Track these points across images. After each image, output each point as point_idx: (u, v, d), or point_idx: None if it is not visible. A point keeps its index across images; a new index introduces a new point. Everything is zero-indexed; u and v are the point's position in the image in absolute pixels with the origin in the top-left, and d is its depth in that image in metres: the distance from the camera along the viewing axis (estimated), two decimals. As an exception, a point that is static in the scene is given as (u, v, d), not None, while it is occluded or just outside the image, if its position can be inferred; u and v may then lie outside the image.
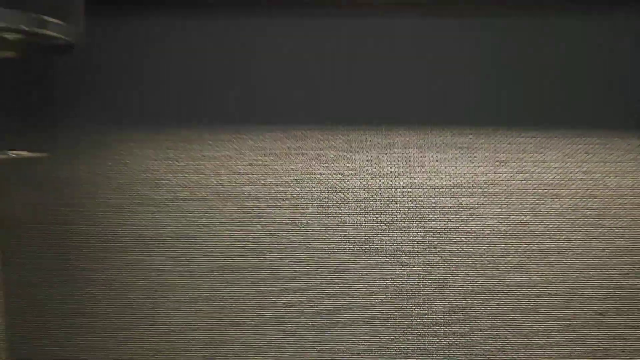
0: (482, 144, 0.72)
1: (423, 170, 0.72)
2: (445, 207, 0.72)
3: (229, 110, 0.72)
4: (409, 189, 0.72)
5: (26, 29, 0.53)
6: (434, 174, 0.72)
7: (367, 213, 0.73)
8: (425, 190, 0.72)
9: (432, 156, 0.72)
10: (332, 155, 0.72)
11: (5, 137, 0.70)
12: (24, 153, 0.61)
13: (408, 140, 0.72)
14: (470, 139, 0.72)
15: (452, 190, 0.72)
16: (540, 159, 0.72)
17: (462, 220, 0.72)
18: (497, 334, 0.73)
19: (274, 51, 0.71)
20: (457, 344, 0.73)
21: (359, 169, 0.72)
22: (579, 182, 0.71)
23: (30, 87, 0.71)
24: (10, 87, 0.71)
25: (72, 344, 0.74)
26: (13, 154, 0.59)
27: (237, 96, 0.72)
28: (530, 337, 0.73)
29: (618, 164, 0.71)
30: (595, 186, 0.71)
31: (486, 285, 0.73)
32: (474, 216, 0.72)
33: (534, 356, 0.73)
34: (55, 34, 0.55)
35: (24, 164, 0.71)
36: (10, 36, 0.54)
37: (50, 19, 0.54)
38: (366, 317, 0.73)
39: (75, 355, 0.74)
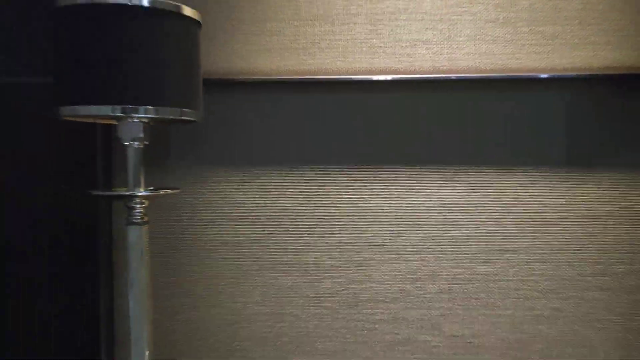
0: (460, 177, 1.04)
1: (419, 195, 1.05)
2: (435, 220, 1.05)
3: (292, 158, 1.05)
4: (409, 208, 1.05)
5: (172, 117, 0.86)
6: (427, 197, 1.05)
7: (382, 224, 1.05)
8: (421, 208, 1.05)
9: (426, 185, 1.05)
10: (357, 185, 1.05)
11: (153, 179, 1.03)
12: (169, 190, 0.94)
13: (409, 175, 1.05)
14: (452, 173, 1.04)
15: (440, 208, 1.05)
16: (500, 187, 1.04)
17: (446, 229, 1.05)
18: (471, 308, 1.05)
19: (320, 120, 1.04)
20: (443, 315, 1.06)
21: (375, 194, 1.05)
22: (526, 203, 1.04)
23: (167, 147, 1.04)
24: (151, 147, 1.04)
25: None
26: (162, 191, 0.92)
27: (295, 148, 1.04)
28: (494, 310, 1.05)
29: (553, 189, 1.04)
30: (538, 205, 1.04)
31: (464, 274, 1.05)
32: (455, 226, 1.05)
33: (496, 323, 1.05)
34: (188, 118, 0.88)
35: (171, 195, 1.03)
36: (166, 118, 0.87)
37: (187, 110, 0.86)
38: (380, 297, 1.06)
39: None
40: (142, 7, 0.82)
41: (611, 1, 1.01)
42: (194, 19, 0.88)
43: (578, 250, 1.04)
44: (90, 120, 0.94)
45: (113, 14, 0.81)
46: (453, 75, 1.02)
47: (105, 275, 1.05)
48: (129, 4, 0.81)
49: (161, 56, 0.83)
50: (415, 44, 1.03)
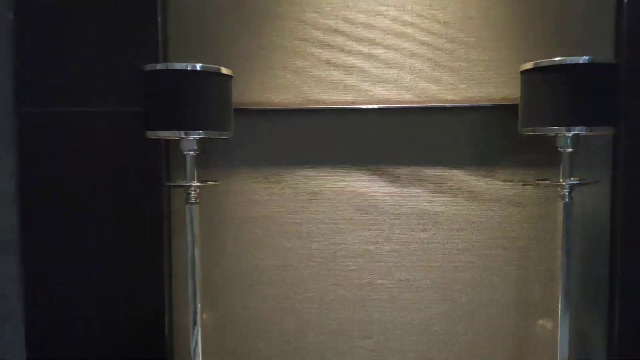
0: (405, 172, 1.54)
1: (377, 185, 1.55)
2: (388, 202, 1.55)
3: (291, 159, 1.56)
4: (371, 194, 1.55)
5: (213, 137, 1.37)
6: (383, 187, 1.55)
7: (352, 205, 1.56)
8: (379, 194, 1.55)
9: (382, 178, 1.55)
10: (335, 179, 1.56)
11: (201, 174, 1.55)
12: (210, 182, 1.46)
13: (371, 172, 1.55)
14: (399, 170, 1.55)
15: (391, 194, 1.55)
16: (431, 179, 1.54)
17: (395, 208, 1.55)
18: (412, 261, 1.55)
19: (310, 134, 1.55)
20: (394, 266, 1.56)
21: (347, 185, 1.56)
22: (449, 189, 1.54)
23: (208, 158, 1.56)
24: (200, 154, 1.56)
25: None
26: (207, 182, 1.44)
27: (293, 153, 1.56)
28: (428, 262, 1.55)
29: (467, 181, 1.53)
30: (456, 191, 1.54)
31: (407, 238, 1.55)
32: (401, 206, 1.55)
33: (430, 271, 1.55)
34: (223, 137, 1.39)
35: (211, 185, 1.55)
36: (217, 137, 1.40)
37: (223, 132, 1.38)
38: (351, 254, 1.56)
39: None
40: (196, 70, 1.34)
41: (504, 55, 1.50)
42: (228, 75, 1.39)
43: (484, 222, 1.54)
44: (163, 138, 1.47)
45: (179, 73, 1.33)
46: (399, 105, 1.52)
47: (167, 237, 1.58)
48: (189, 69, 1.33)
49: (208, 98, 1.35)
50: (374, 84, 1.53)
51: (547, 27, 1.50)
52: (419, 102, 1.53)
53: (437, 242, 1.56)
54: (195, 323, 1.45)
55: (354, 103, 1.54)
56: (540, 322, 1.53)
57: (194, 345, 1.45)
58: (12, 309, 1.60)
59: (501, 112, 1.50)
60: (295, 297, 1.59)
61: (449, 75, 1.52)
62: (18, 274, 1.57)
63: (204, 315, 1.57)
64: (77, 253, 1.53)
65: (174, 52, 1.56)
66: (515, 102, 1.41)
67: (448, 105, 1.52)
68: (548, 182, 1.43)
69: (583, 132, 1.32)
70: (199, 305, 1.44)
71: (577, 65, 1.28)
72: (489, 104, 1.51)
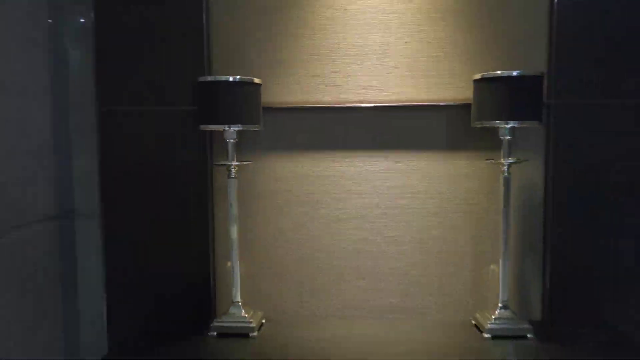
0: (389, 155, 2.05)
1: (369, 164, 2.06)
2: (377, 177, 2.05)
3: (304, 145, 2.07)
4: (364, 171, 2.06)
5: (248, 129, 1.89)
6: (373, 165, 2.05)
7: (350, 179, 2.06)
8: (370, 171, 2.06)
9: (373, 159, 2.05)
10: (337, 159, 2.07)
11: (238, 156, 2.06)
12: (246, 162, 1.98)
13: (364, 154, 2.05)
14: (385, 153, 2.05)
15: (380, 171, 2.05)
16: (408, 161, 2.04)
17: (384, 182, 2.05)
18: (396, 222, 2.06)
19: (317, 126, 2.06)
20: (383, 226, 2.07)
21: (346, 164, 2.06)
22: (422, 169, 2.04)
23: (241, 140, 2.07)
24: (238, 142, 2.07)
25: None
26: (243, 162, 1.96)
27: (305, 140, 2.07)
28: (407, 222, 2.06)
29: (435, 162, 2.03)
30: (427, 169, 2.04)
31: (392, 205, 2.05)
32: (387, 180, 2.05)
33: (409, 229, 2.06)
34: (255, 128, 1.91)
35: (246, 164, 2.06)
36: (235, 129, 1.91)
37: (255, 125, 1.89)
38: (350, 217, 2.07)
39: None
40: (235, 81, 1.84)
41: (464, 67, 1.99)
42: (258, 83, 1.90)
43: (450, 192, 2.04)
44: (211, 130, 1.98)
45: (223, 83, 1.84)
46: (386, 104, 2.02)
47: (212, 206, 2.10)
48: (230, 80, 1.84)
49: (243, 101, 1.86)
50: (367, 88, 2.03)
51: (495, 45, 1.99)
52: (400, 101, 2.03)
53: (415, 208, 2.06)
54: (234, 272, 1.97)
55: (351, 102, 2.04)
56: (492, 266, 2.03)
57: (235, 289, 1.97)
58: (96, 262, 2.14)
59: (461, 109, 2.00)
60: (308, 250, 2.11)
61: (423, 81, 2.02)
62: (100, 235, 2.10)
63: (240, 267, 2.08)
64: (144, 217, 2.06)
65: (217, 65, 2.07)
66: (470, 102, 1.91)
67: (423, 104, 2.02)
68: (493, 161, 1.93)
69: (516, 125, 1.81)
70: (237, 257, 1.96)
71: (511, 76, 1.77)
72: (452, 103, 2.00)
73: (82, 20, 2.14)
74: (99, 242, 2.11)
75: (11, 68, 1.83)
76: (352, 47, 2.04)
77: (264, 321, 2.05)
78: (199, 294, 2.07)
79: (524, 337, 1.86)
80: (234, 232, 1.95)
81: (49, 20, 2.07)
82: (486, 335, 1.88)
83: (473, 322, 2.00)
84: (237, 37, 2.07)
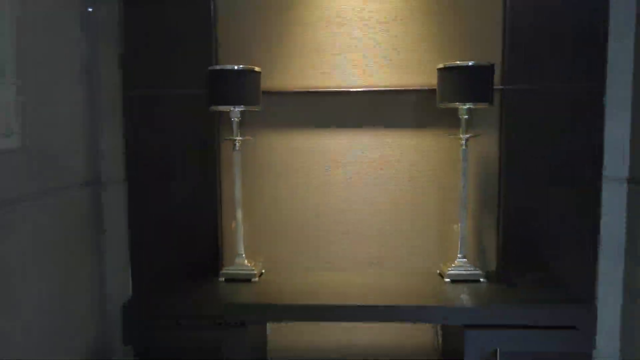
0: (370, 129, 2.43)
1: (355, 139, 2.44)
2: (362, 148, 2.44)
3: (300, 122, 2.45)
4: (352, 144, 2.44)
5: (249, 109, 2.27)
6: (359, 139, 2.44)
7: (336, 152, 2.45)
8: (356, 144, 2.44)
9: (361, 134, 2.44)
10: (327, 135, 2.45)
11: (242, 132, 2.44)
12: (248, 137, 2.36)
13: (351, 130, 2.44)
14: (367, 128, 2.43)
15: (363, 143, 2.44)
16: (385, 135, 2.42)
17: (366, 151, 2.44)
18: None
19: (312, 107, 2.44)
20: (370, 178, 2.46)
21: (334, 137, 2.44)
22: (396, 140, 2.42)
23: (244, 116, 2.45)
24: (242, 120, 2.45)
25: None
26: (246, 137, 2.34)
27: (302, 118, 2.45)
28: (385, 177, 2.45)
29: (408, 136, 2.41)
30: (401, 140, 2.42)
31: (387, 182, 2.44)
32: (370, 151, 2.44)
33: (387, 183, 2.45)
34: (255, 109, 2.29)
35: (248, 140, 2.44)
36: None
37: (255, 106, 2.27)
38: (339, 181, 2.46)
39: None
40: (239, 69, 2.22)
41: (432, 58, 2.36)
42: (258, 71, 2.27)
43: (420, 162, 2.43)
44: (220, 110, 2.36)
45: (229, 71, 2.21)
46: (369, 89, 2.40)
47: (219, 173, 2.49)
48: (235, 68, 2.21)
49: (245, 86, 2.24)
50: (350, 75, 2.41)
51: (458, 39, 2.36)
52: (379, 87, 2.40)
53: (390, 176, 2.45)
54: (238, 229, 2.36)
55: (340, 87, 2.42)
56: (454, 225, 2.43)
57: (239, 243, 2.36)
58: (122, 222, 2.54)
59: (429, 93, 2.37)
60: (300, 211, 2.49)
61: (398, 70, 2.39)
62: (125, 198, 2.49)
63: (243, 224, 2.47)
64: (162, 183, 2.45)
65: (224, 55, 2.44)
66: (435, 87, 2.28)
67: (397, 89, 2.39)
68: (454, 136, 2.31)
69: (472, 106, 2.19)
70: (241, 217, 2.35)
71: (467, 66, 2.15)
72: (422, 88, 2.38)
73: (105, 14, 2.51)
74: (124, 204, 2.50)
75: (57, 55, 2.20)
76: (340, 44, 2.42)
77: (263, 270, 2.45)
78: (209, 247, 2.47)
79: (477, 281, 2.26)
80: (238, 196, 2.34)
81: (89, 9, 2.43)
82: (446, 280, 2.28)
83: (437, 270, 2.40)
84: (240, 32, 2.44)
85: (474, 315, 2.02)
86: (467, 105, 2.19)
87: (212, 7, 2.38)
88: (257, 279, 2.33)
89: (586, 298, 2.33)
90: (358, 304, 2.05)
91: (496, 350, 1.99)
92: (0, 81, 1.89)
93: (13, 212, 1.92)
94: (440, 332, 2.48)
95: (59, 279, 2.21)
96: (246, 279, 2.32)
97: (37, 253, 2.05)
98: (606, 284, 2.43)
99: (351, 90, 2.41)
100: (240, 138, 2.32)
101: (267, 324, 2.53)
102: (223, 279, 2.33)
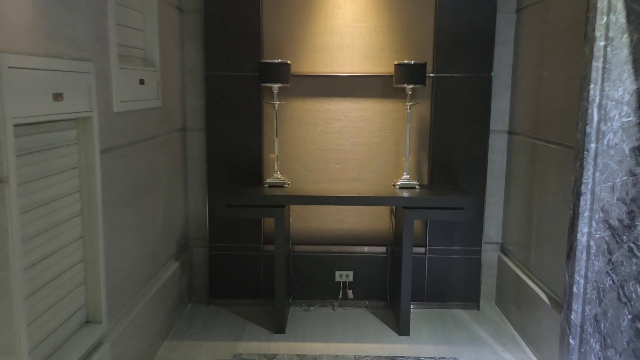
0: (359, 99, 4.04)
1: (348, 106, 4.05)
2: (350, 114, 4.05)
3: (310, 94, 4.04)
4: (345, 110, 4.05)
5: (284, 85, 3.86)
6: (350, 106, 4.04)
7: (333, 117, 4.05)
8: (349, 110, 4.05)
9: (352, 103, 4.04)
10: (325, 100, 4.05)
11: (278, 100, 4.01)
12: (281, 102, 3.96)
13: (343, 99, 4.04)
14: (357, 99, 4.04)
15: (352, 109, 4.05)
16: (370, 104, 4.03)
17: (355, 116, 4.05)
18: (364, 141, 4.07)
19: (317, 85, 4.03)
20: (357, 129, 4.08)
21: (334, 104, 4.05)
22: (376, 106, 4.04)
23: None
24: (277, 92, 4.03)
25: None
26: (280, 102, 3.95)
27: (311, 92, 4.04)
28: (367, 130, 4.07)
29: (381, 103, 4.02)
30: (380, 106, 4.03)
31: (364, 132, 4.06)
32: (357, 115, 4.05)
33: (372, 143, 4.07)
34: (287, 86, 3.88)
35: (281, 104, 4.03)
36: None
37: (287, 84, 3.86)
38: (334, 130, 4.07)
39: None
40: (278, 62, 3.79)
41: (394, 56, 3.97)
42: (289, 63, 3.85)
43: (384, 120, 4.05)
44: (266, 85, 3.95)
45: (271, 64, 3.79)
46: (354, 74, 4.00)
47: (262, 124, 4.08)
48: (276, 62, 3.79)
49: (281, 71, 3.81)
50: (343, 65, 4.00)
51: (410, 44, 3.97)
52: (360, 72, 4.00)
53: (365, 127, 4.07)
54: (276, 157, 3.97)
55: (335, 73, 4.01)
56: (403, 158, 4.06)
57: (276, 166, 3.98)
58: (200, 152, 4.13)
59: (389, 78, 3.97)
60: (310, 148, 4.11)
61: (371, 63, 3.99)
62: (204, 140, 4.09)
63: (278, 155, 4.06)
64: (229, 131, 4.04)
65: (267, 50, 4.01)
66: (393, 74, 3.88)
67: (370, 74, 4.00)
68: (403, 103, 3.93)
69: (414, 86, 3.81)
70: (277, 151, 3.95)
71: (411, 63, 3.75)
72: (385, 74, 3.99)
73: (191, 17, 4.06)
74: (204, 143, 4.10)
75: (170, 51, 3.75)
76: (338, 45, 4.00)
77: (289, 182, 4.07)
78: (257, 168, 4.09)
79: (414, 188, 3.92)
80: (274, 138, 3.95)
81: (180, 11, 3.98)
82: (396, 187, 3.93)
83: (392, 183, 4.06)
84: (277, 35, 4.00)
85: (409, 201, 3.68)
86: (411, 86, 3.81)
87: (260, 19, 3.95)
88: (286, 185, 3.96)
89: (472, 194, 4.01)
90: (345, 195, 3.70)
91: (424, 221, 3.68)
92: (153, 69, 3.47)
93: (157, 142, 3.53)
94: (393, 220, 4.15)
95: (169, 184, 3.84)
96: (280, 185, 3.94)
97: (166, 165, 3.67)
98: (493, 195, 4.13)
99: (343, 75, 4.01)
100: (277, 102, 3.91)
101: (290, 213, 4.18)
102: (267, 185, 3.95)
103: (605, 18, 2.57)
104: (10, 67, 1.87)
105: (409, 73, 3.77)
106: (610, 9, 2.56)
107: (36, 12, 2.10)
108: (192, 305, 4.22)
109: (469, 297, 4.18)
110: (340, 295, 4.20)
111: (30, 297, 2.16)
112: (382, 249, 4.20)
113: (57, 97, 2.19)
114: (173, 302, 3.80)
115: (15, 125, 1.93)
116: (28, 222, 2.14)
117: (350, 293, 4.19)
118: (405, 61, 3.78)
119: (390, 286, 4.18)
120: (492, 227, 4.20)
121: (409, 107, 3.88)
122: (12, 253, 1.91)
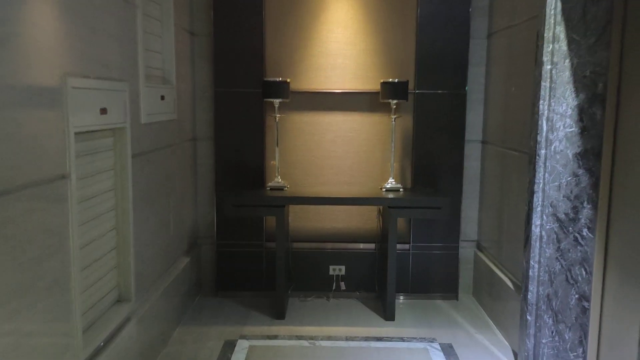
0: (351, 113, 4.57)
1: (341, 117, 4.58)
2: (342, 125, 4.58)
3: (307, 107, 4.57)
4: (339, 122, 4.58)
5: (283, 101, 4.40)
6: (344, 117, 4.58)
7: (329, 125, 4.58)
8: (341, 123, 4.58)
9: (345, 116, 4.58)
10: (321, 113, 4.58)
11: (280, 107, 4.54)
12: (281, 115, 4.49)
13: (336, 112, 4.57)
14: (349, 112, 4.57)
15: (344, 121, 4.58)
16: (358, 117, 4.57)
17: (346, 126, 4.58)
18: (354, 145, 4.59)
19: (313, 100, 4.57)
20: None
21: (327, 116, 4.58)
22: (365, 119, 4.57)
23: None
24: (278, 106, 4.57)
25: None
26: (280, 114, 4.48)
27: (309, 104, 4.57)
28: (357, 119, 4.59)
29: (369, 115, 4.56)
30: (369, 119, 4.57)
31: (354, 141, 4.59)
32: (350, 124, 4.58)
33: (360, 144, 4.59)
34: (286, 100, 4.42)
35: (282, 116, 4.55)
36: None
37: (286, 99, 4.39)
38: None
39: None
40: (279, 81, 4.33)
41: (379, 75, 4.51)
42: (288, 81, 4.39)
43: (371, 131, 4.58)
44: (268, 100, 4.48)
45: (273, 82, 4.32)
46: (344, 90, 4.54)
47: (264, 135, 4.60)
48: (277, 80, 4.32)
49: (282, 88, 4.35)
50: (335, 83, 4.54)
51: (394, 65, 4.51)
52: (350, 89, 4.54)
53: (355, 137, 4.60)
54: (277, 164, 4.49)
55: (329, 89, 4.55)
56: (389, 163, 4.59)
57: (277, 171, 4.49)
58: (208, 159, 4.65)
59: (375, 94, 4.51)
60: (308, 155, 4.63)
61: (360, 80, 4.54)
62: (213, 149, 4.61)
63: (278, 162, 4.58)
64: (233, 141, 4.56)
65: (269, 69, 4.54)
66: (379, 91, 4.42)
67: (359, 91, 4.54)
68: (388, 117, 4.46)
69: (395, 101, 4.34)
70: (278, 158, 4.47)
71: (394, 82, 4.30)
72: (372, 91, 4.53)
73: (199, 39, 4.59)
74: (212, 152, 4.62)
75: (183, 67, 4.28)
76: (331, 65, 4.54)
77: (288, 185, 4.58)
78: (259, 174, 4.61)
79: (399, 190, 4.44)
80: (275, 147, 4.47)
81: (192, 35, 4.51)
82: (383, 190, 4.45)
83: (379, 186, 4.58)
84: (278, 56, 4.54)
85: (394, 201, 4.20)
86: (395, 101, 4.34)
87: (263, 42, 4.49)
88: (286, 188, 4.47)
89: (448, 195, 4.53)
90: (338, 196, 4.22)
91: (408, 220, 4.20)
92: (170, 87, 4.00)
93: (172, 149, 4.05)
94: (380, 219, 4.67)
95: (181, 186, 4.37)
96: (280, 188, 4.45)
97: (179, 170, 4.20)
98: (469, 197, 4.66)
99: (336, 91, 4.55)
100: (278, 115, 4.44)
101: (289, 213, 4.69)
102: (269, 188, 4.47)
103: (551, 46, 3.12)
104: (73, 87, 2.39)
105: (393, 90, 4.31)
106: (555, 38, 3.11)
107: (89, 42, 2.62)
108: (200, 296, 4.71)
109: (449, 289, 4.69)
110: (334, 287, 4.70)
111: (82, 271, 2.66)
112: (371, 245, 4.72)
113: (103, 111, 2.71)
114: (184, 293, 4.30)
115: (75, 134, 2.45)
116: (79, 212, 2.64)
117: (342, 285, 4.69)
118: (390, 79, 4.33)
119: (378, 278, 4.68)
120: (469, 226, 4.72)
121: (393, 119, 4.42)
122: (72, 235, 2.41)
